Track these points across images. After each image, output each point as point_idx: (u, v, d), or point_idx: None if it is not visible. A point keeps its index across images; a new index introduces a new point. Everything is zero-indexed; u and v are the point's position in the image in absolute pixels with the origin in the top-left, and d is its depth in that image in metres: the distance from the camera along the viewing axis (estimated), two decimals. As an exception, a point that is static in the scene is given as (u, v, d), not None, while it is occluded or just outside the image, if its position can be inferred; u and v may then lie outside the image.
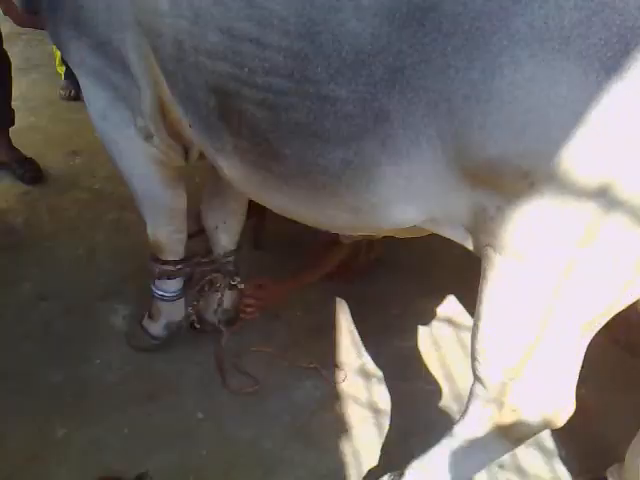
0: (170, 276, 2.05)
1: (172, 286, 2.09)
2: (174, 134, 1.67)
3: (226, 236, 2.12)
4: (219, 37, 1.24)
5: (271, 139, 1.29)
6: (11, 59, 2.95)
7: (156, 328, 2.16)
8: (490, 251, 1.18)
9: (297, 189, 1.36)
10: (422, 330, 2.30)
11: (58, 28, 1.63)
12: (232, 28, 1.21)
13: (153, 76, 1.51)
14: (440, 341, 2.26)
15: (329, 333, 2.29)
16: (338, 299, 2.42)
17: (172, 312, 2.14)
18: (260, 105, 1.25)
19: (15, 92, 3.04)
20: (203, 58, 1.29)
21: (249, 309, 2.24)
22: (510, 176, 1.06)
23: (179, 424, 1.96)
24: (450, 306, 2.41)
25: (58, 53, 3.72)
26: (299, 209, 1.44)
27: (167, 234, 1.96)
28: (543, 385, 1.31)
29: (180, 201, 1.91)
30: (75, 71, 1.70)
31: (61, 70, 3.81)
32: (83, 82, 1.69)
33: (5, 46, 2.87)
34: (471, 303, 2.33)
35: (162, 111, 1.60)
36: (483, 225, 1.17)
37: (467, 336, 2.18)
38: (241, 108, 1.28)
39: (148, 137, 1.69)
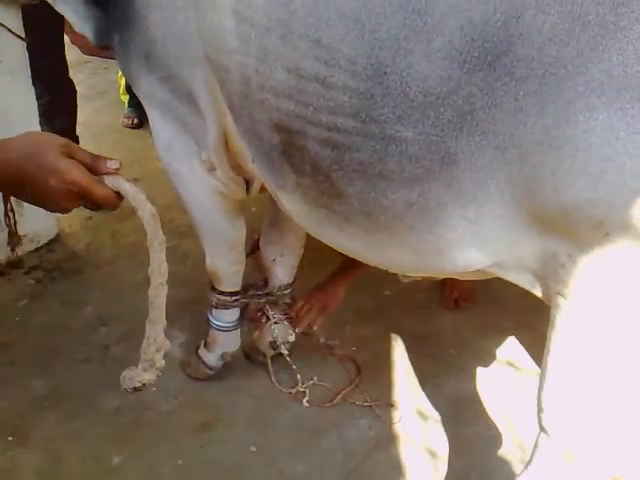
0: (226, 307, 2.06)
1: (229, 317, 2.09)
2: (236, 167, 1.69)
3: (283, 269, 2.12)
4: (286, 76, 1.24)
5: (334, 178, 1.28)
6: (76, 86, 3.04)
7: (211, 358, 2.16)
8: (560, 299, 1.13)
9: (358, 228, 1.34)
10: (481, 372, 2.23)
11: (129, 62, 1.67)
12: (299, 67, 1.21)
13: (218, 110, 1.53)
14: (500, 385, 2.18)
15: (384, 370, 2.24)
16: (393, 335, 2.38)
17: (228, 343, 2.14)
18: (324, 144, 1.24)
19: (79, 119, 3.12)
20: (269, 95, 1.29)
21: (307, 318, 2.13)
22: (583, 225, 1.02)
23: (232, 457, 1.94)
24: (510, 348, 2.32)
25: (122, 81, 3.83)
26: (360, 248, 1.42)
27: (225, 264, 1.97)
28: (614, 441, 1.24)
29: (239, 232, 1.93)
30: (143, 102, 1.74)
31: (125, 98, 3.92)
32: (151, 114, 1.73)
33: (71, 74, 2.96)
34: (532, 346, 2.30)
35: (226, 145, 1.62)
36: (553, 272, 1.12)
37: (528, 381, 2.13)
38: (304, 146, 1.28)
39: (211, 169, 1.72)
